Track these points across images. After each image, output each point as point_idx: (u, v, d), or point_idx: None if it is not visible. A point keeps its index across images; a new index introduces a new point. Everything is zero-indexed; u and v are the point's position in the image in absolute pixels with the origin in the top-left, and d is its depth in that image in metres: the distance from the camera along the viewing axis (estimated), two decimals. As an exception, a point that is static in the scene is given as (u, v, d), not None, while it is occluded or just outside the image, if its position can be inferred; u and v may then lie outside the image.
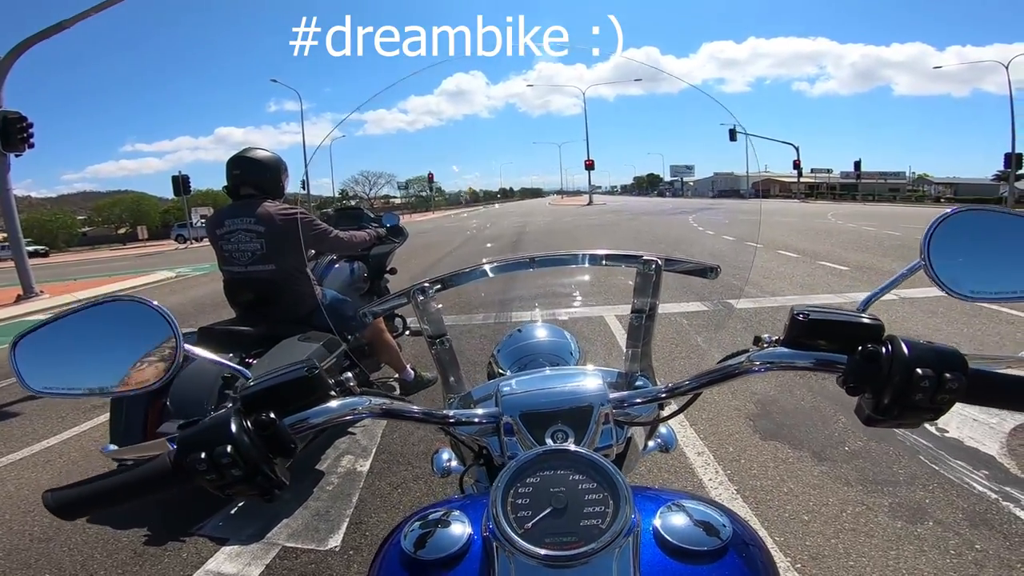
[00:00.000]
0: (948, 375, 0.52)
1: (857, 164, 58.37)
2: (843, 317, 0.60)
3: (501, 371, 1.06)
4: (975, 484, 2.32)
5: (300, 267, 2.78)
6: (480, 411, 0.69)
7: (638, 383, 0.86)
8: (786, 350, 0.62)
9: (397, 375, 3.31)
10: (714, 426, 2.98)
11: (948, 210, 0.61)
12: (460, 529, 0.56)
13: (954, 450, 2.58)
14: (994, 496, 2.24)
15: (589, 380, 0.71)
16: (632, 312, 0.95)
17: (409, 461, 2.78)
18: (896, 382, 0.53)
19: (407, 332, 3.93)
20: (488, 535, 0.53)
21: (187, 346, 0.60)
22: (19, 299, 10.66)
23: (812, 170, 65.12)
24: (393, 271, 3.89)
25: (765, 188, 69.04)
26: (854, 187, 59.60)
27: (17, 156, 10.95)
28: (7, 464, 3.16)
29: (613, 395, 0.68)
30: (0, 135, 10.42)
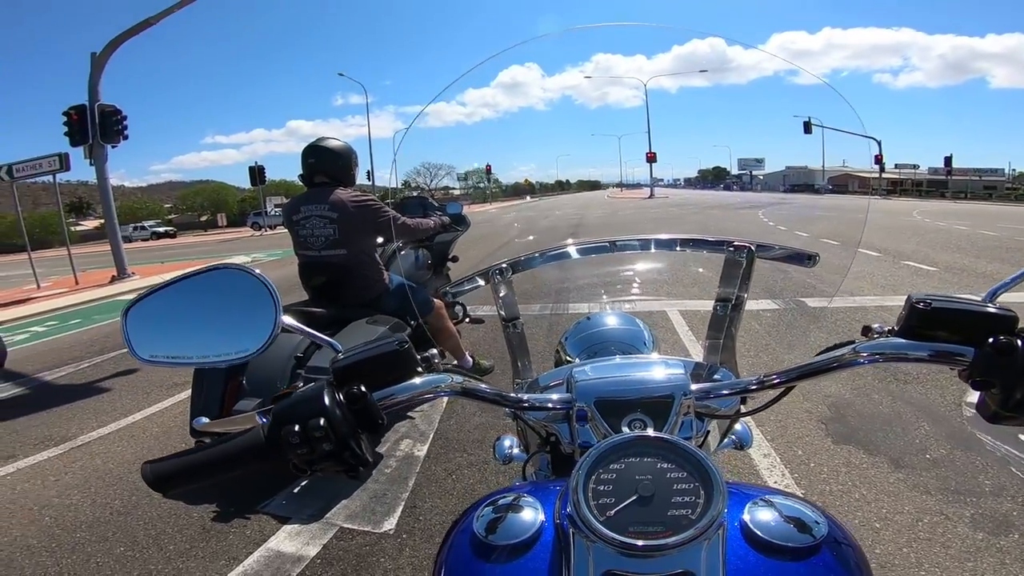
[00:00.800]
0: None
1: (948, 159, 53.89)
2: (971, 306, 0.55)
3: (569, 359, 1.04)
4: None
5: (370, 252, 2.86)
6: (554, 396, 0.67)
7: (716, 375, 0.81)
8: (901, 340, 0.57)
9: (456, 362, 3.34)
10: (782, 428, 2.84)
11: None
12: (532, 515, 0.54)
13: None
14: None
15: (670, 369, 0.68)
16: (716, 301, 0.91)
17: (464, 448, 2.80)
18: None
19: (467, 319, 3.96)
20: (562, 522, 0.51)
21: (284, 318, 0.60)
22: (113, 280, 11.58)
23: (896, 166, 60.89)
24: (455, 259, 3.95)
25: (842, 183, 65.21)
26: (943, 184, 55.29)
27: (113, 147, 11.84)
28: (97, 438, 3.39)
29: (696, 386, 0.65)
30: (99, 127, 11.30)
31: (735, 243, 0.88)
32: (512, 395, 0.66)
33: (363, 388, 0.54)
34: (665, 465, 0.50)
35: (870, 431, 2.76)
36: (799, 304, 5.39)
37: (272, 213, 37.75)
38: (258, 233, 32.58)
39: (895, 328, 0.59)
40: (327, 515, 2.32)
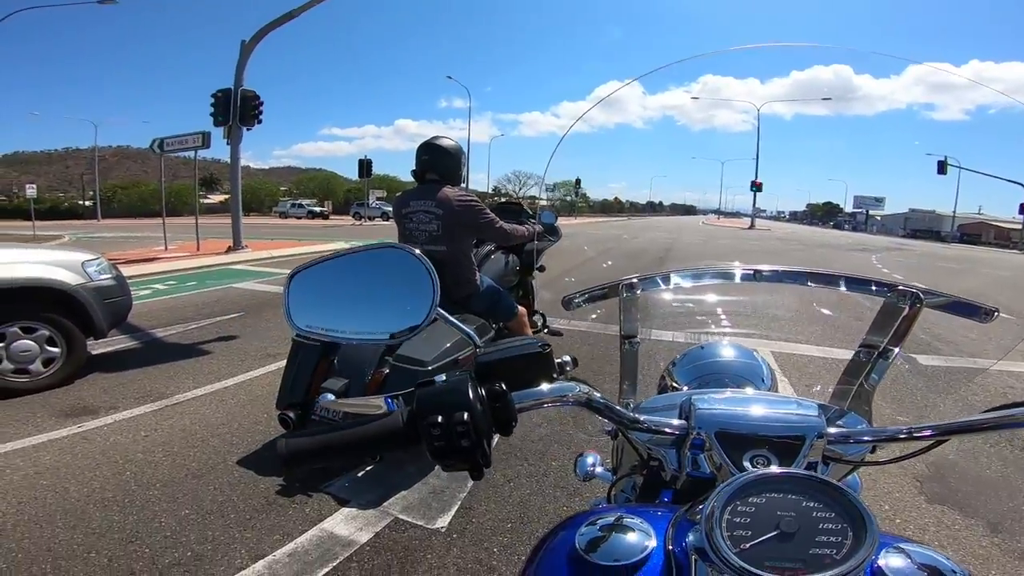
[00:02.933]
0: None
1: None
2: None
3: (676, 386, 1.01)
4: None
5: (467, 251, 2.94)
6: (674, 420, 0.65)
7: (843, 420, 0.77)
8: None
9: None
10: (872, 481, 2.59)
11: None
12: (640, 538, 0.52)
13: None
14: None
15: (802, 409, 0.65)
16: (861, 346, 0.87)
17: (525, 457, 2.77)
18: None
19: (545, 330, 3.94)
20: (676, 548, 0.50)
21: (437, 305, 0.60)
22: (228, 250, 12.66)
23: None
24: (542, 268, 3.96)
25: (975, 232, 58.78)
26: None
27: (248, 130, 12.95)
28: (190, 398, 3.62)
29: (833, 429, 0.62)
30: (239, 110, 12.38)
31: (899, 287, 0.82)
32: (631, 413, 0.65)
33: (503, 386, 0.54)
34: (811, 504, 0.48)
35: (970, 494, 2.48)
36: (909, 360, 4.93)
37: (372, 205, 39.70)
38: (358, 223, 34.23)
39: None
40: (385, 503, 2.37)
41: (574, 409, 0.64)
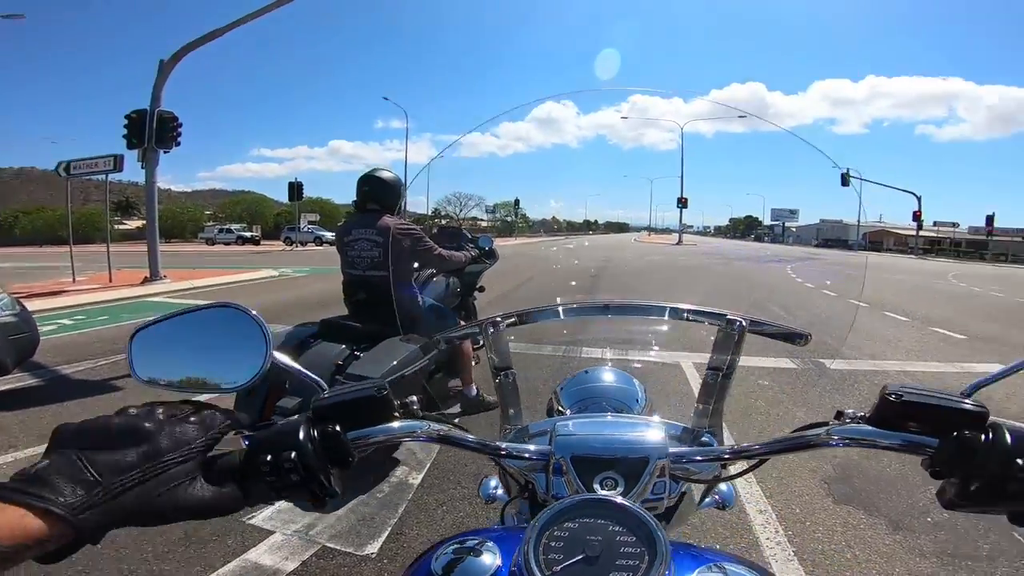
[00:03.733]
0: None
1: (990, 218, 52.63)
2: (942, 401, 0.56)
3: (561, 409, 1.06)
4: None
5: (408, 276, 3.08)
6: (532, 447, 0.69)
7: (704, 439, 0.84)
8: (870, 428, 0.59)
9: (462, 387, 3.39)
10: (783, 484, 2.77)
11: None
12: (491, 560, 0.56)
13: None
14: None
15: (650, 431, 0.70)
16: (708, 368, 0.93)
17: (459, 480, 2.79)
18: (991, 471, 0.51)
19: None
20: (516, 571, 0.53)
21: (275, 354, 0.64)
22: (145, 281, 11.94)
23: (935, 223, 59.45)
24: (482, 289, 4.11)
25: (877, 240, 63.93)
26: (983, 244, 53.86)
27: (165, 152, 12.37)
28: None
29: (673, 449, 0.67)
30: (155, 132, 11.82)
31: (729, 316, 0.90)
32: (492, 443, 0.68)
33: (337, 427, 0.58)
34: (616, 528, 0.52)
35: (873, 493, 2.69)
36: (817, 364, 5.29)
37: (304, 230, 38.51)
38: (289, 248, 33.18)
39: (867, 415, 0.60)
40: (312, 532, 2.32)
41: None
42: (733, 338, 0.89)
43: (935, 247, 57.49)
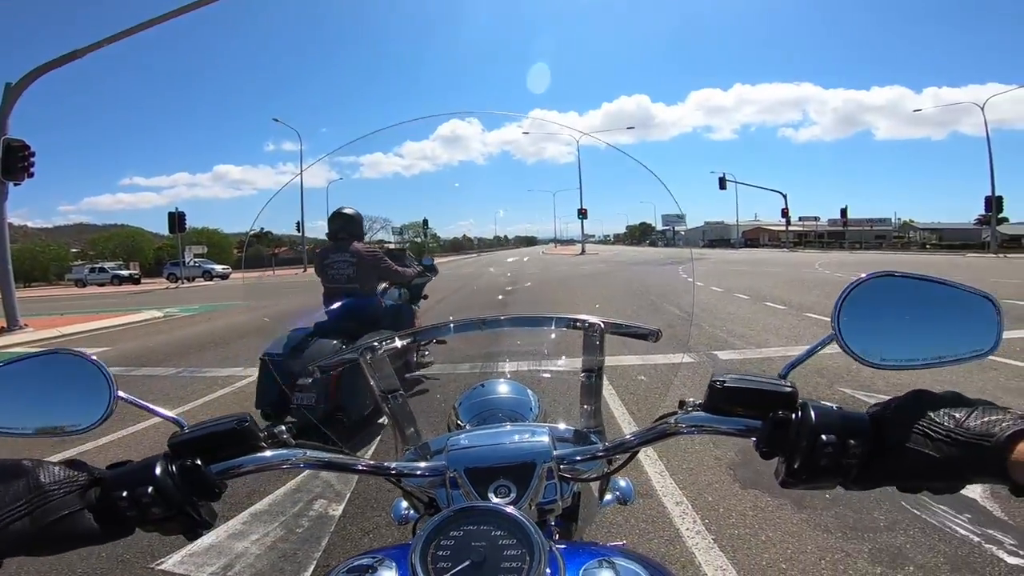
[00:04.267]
0: (852, 441, 0.54)
1: (843, 211, 59.08)
2: (758, 384, 0.62)
3: (460, 424, 1.08)
4: (957, 528, 2.32)
5: (374, 287, 4.03)
6: (423, 464, 0.71)
7: (591, 438, 0.88)
8: (704, 415, 0.64)
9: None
10: (694, 476, 2.95)
11: (862, 275, 0.61)
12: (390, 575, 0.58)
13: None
14: (976, 539, 2.23)
15: (535, 437, 0.73)
16: (582, 371, 1.00)
17: (383, 507, 2.71)
18: (803, 447, 0.55)
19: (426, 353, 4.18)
20: None
21: (120, 393, 0.65)
22: (2, 331, 10.52)
23: (800, 218, 65.61)
24: (425, 296, 4.89)
25: (754, 237, 69.95)
26: (841, 235, 60.38)
27: (16, 185, 11.04)
28: None
29: (557, 452, 0.70)
30: (3, 163, 10.52)
31: (589, 321, 0.98)
32: (382, 464, 0.70)
33: (197, 462, 0.60)
34: (498, 532, 0.54)
35: (772, 475, 2.90)
36: (711, 356, 5.70)
37: (190, 264, 35.69)
38: (174, 285, 30.55)
39: (702, 402, 0.65)
40: (230, 573, 2.19)
41: None
42: (596, 341, 0.96)
43: (802, 240, 63.66)
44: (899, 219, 69.93)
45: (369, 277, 3.98)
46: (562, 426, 0.92)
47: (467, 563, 0.52)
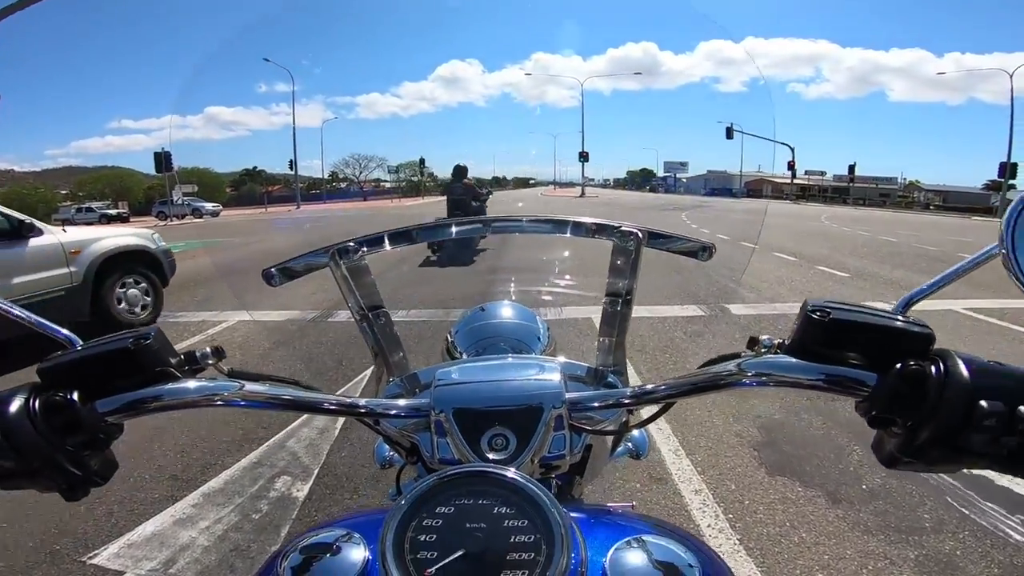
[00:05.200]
0: (1022, 409, 0.37)
1: (851, 168, 59.29)
2: (878, 319, 0.45)
3: (457, 354, 0.94)
4: (1012, 532, 2.02)
5: (472, 204, 4.18)
6: (402, 403, 0.56)
7: (609, 380, 0.74)
8: (791, 360, 0.47)
9: None
10: (713, 456, 2.60)
11: None
12: (357, 555, 0.45)
13: (984, 490, 2.25)
14: (1034, 546, 1.93)
15: (545, 374, 0.57)
16: (606, 295, 0.84)
17: (356, 487, 2.38)
18: (945, 416, 0.39)
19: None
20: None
21: (4, 305, 0.50)
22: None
23: (806, 172, 65.80)
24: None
25: (757, 188, 69.38)
26: (846, 191, 60.34)
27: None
28: None
29: (570, 395, 0.54)
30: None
31: (623, 228, 0.79)
32: (344, 400, 0.55)
33: (73, 396, 0.46)
34: (503, 509, 0.41)
35: (803, 458, 2.58)
36: (723, 310, 5.35)
37: (180, 202, 35.21)
38: (163, 223, 30.40)
39: (785, 341, 0.49)
40: (172, 569, 1.90)
41: None
42: (630, 255, 0.78)
43: (806, 193, 63.46)
44: (905, 179, 69.76)
45: (470, 199, 4.42)
46: (576, 362, 0.77)
47: (459, 554, 0.39)
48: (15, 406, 0.44)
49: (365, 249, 0.80)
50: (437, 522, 0.41)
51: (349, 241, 0.78)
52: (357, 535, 0.47)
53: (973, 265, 0.46)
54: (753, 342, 0.51)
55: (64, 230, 5.14)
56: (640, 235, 0.77)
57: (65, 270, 4.81)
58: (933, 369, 0.41)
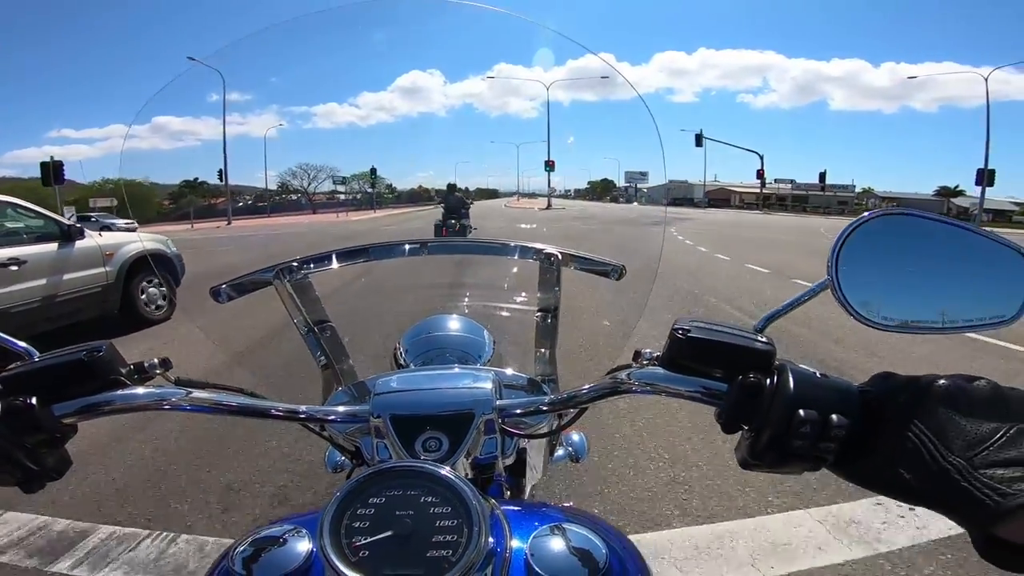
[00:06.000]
0: (834, 418, 0.46)
1: (822, 175, 63.12)
2: (728, 337, 0.54)
3: (404, 363, 1.04)
4: None
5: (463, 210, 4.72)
6: (341, 409, 0.67)
7: (544, 389, 0.86)
8: (661, 371, 0.58)
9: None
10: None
11: (864, 214, 0.55)
12: (302, 547, 0.53)
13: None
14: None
15: (478, 383, 0.67)
16: (538, 310, 0.96)
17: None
18: (773, 423, 0.48)
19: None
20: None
21: None
22: None
23: (775, 180, 68.24)
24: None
25: (720, 198, 71.99)
26: (805, 199, 63.72)
27: None
28: None
29: (500, 402, 0.65)
30: None
31: (545, 251, 0.92)
32: (285, 406, 0.64)
33: (31, 400, 0.54)
34: (429, 498, 0.48)
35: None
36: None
37: (93, 219, 32.92)
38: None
39: (660, 355, 0.58)
40: None
41: None
42: (553, 274, 0.92)
43: (766, 202, 66.50)
44: (855, 186, 73.73)
45: (460, 203, 4.88)
46: (511, 372, 0.88)
47: (387, 534, 0.46)
48: None
49: (303, 268, 0.89)
50: (370, 511, 0.47)
51: (293, 260, 0.88)
52: (304, 530, 0.55)
53: (811, 295, 0.56)
54: (637, 354, 0.62)
55: (100, 234, 6.13)
56: (560, 256, 0.92)
57: (102, 269, 5.94)
58: (768, 381, 0.50)
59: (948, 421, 0.42)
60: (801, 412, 0.46)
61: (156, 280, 6.33)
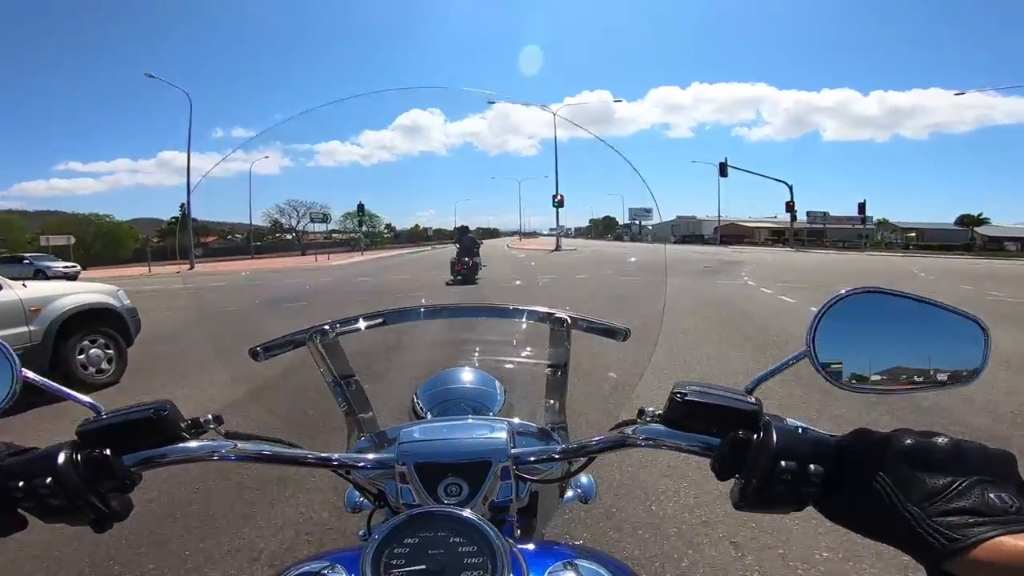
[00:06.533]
0: (812, 467, 0.55)
1: (862, 207, 60.41)
2: (719, 400, 0.63)
3: (421, 413, 1.14)
4: None
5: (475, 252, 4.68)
6: (371, 456, 0.74)
7: (555, 437, 0.95)
8: (663, 428, 0.67)
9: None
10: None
11: (842, 291, 0.63)
12: None
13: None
14: None
15: (493, 433, 0.75)
16: (548, 366, 1.07)
17: None
18: (761, 472, 0.56)
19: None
20: None
21: (27, 373, 0.66)
22: None
23: (808, 213, 66.97)
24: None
25: (728, 234, 72.00)
26: (822, 233, 63.15)
27: None
28: None
29: (515, 451, 0.72)
30: None
31: (556, 315, 1.02)
32: (320, 454, 0.73)
33: (107, 452, 0.63)
34: (457, 539, 0.57)
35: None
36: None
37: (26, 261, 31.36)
38: None
39: (662, 413, 0.68)
40: None
41: None
42: (563, 335, 1.02)
43: (780, 238, 66.44)
44: (871, 217, 72.09)
45: (472, 243, 4.90)
46: (523, 421, 0.98)
47: (422, 568, 0.55)
48: (62, 459, 0.61)
49: (335, 329, 1.01)
50: (406, 549, 0.57)
51: (324, 324, 1.00)
52: (339, 566, 0.64)
53: (795, 361, 0.64)
54: (641, 412, 0.70)
55: (24, 285, 5.30)
56: (569, 320, 1.02)
57: (24, 329, 5.03)
58: (755, 436, 0.59)
59: (908, 475, 0.51)
60: (783, 463, 0.55)
61: (101, 340, 5.72)
